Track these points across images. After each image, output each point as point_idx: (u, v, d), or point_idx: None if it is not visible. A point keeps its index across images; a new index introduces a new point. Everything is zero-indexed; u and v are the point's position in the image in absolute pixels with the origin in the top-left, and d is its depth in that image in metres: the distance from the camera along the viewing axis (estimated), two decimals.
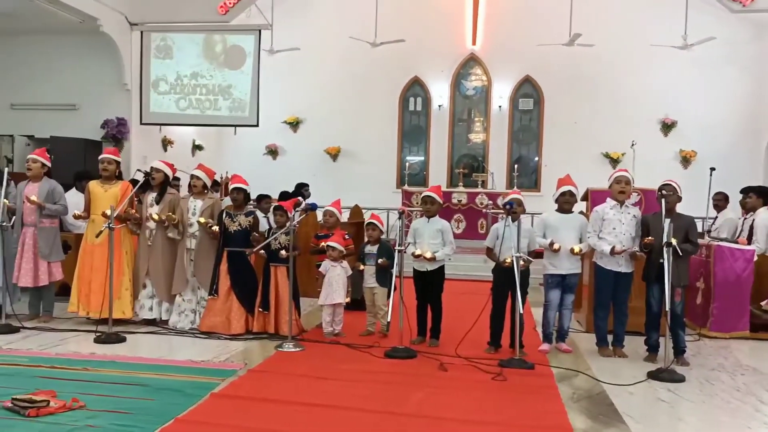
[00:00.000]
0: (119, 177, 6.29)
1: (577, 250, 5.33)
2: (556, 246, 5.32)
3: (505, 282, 5.21)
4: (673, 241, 4.79)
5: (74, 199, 6.78)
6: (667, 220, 4.88)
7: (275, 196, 8.72)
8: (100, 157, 6.27)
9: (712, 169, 8.78)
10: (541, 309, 5.71)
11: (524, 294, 5.15)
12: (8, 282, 5.95)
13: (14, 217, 5.99)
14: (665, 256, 4.77)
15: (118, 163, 6.25)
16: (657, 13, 12.82)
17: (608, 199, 5.43)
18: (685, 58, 12.48)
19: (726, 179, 9.19)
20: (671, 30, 12.13)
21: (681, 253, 4.91)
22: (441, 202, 5.69)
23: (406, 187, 13.29)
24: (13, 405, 3.67)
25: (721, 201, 7.91)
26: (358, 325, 6.03)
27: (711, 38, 11.54)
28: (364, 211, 9.28)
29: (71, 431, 3.41)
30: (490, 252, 5.48)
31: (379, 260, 5.70)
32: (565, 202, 5.52)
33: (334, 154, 14.64)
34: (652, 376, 4.69)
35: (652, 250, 5.09)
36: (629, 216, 5.34)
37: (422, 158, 14.67)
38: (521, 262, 5.02)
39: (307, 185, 10.23)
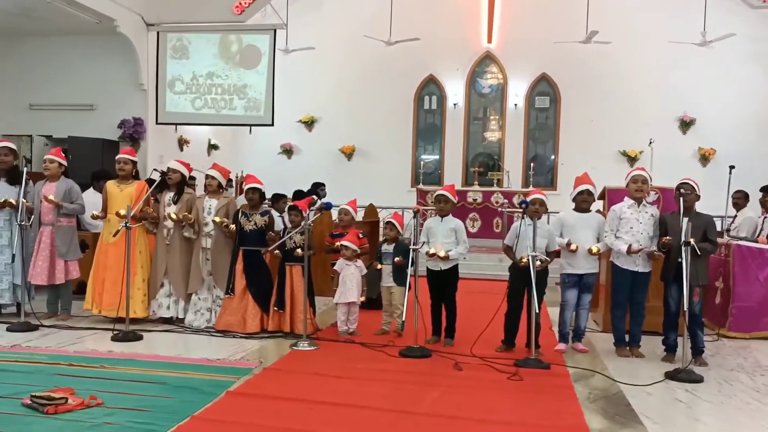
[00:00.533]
0: (136, 177, 6.34)
1: (594, 250, 5.28)
2: (573, 246, 5.29)
3: (521, 281, 5.18)
4: (692, 241, 4.73)
5: (92, 199, 6.85)
6: (686, 219, 4.82)
7: (290, 195, 8.73)
8: (116, 157, 6.35)
9: (732, 167, 8.66)
10: (557, 308, 5.67)
11: (541, 293, 5.10)
12: (26, 280, 6.02)
13: (32, 217, 6.07)
14: (683, 255, 4.72)
15: (134, 162, 6.30)
16: (675, 10, 12.69)
17: (625, 198, 5.37)
18: (703, 54, 12.32)
19: (746, 177, 9.06)
20: (690, 26, 12.01)
21: (699, 253, 4.83)
22: (454, 201, 5.67)
23: (420, 185, 13.26)
24: (32, 402, 3.71)
25: (740, 199, 7.81)
26: (373, 324, 6.03)
27: (730, 35, 11.39)
28: (378, 210, 9.28)
29: (89, 428, 3.44)
30: (508, 250, 5.45)
31: (395, 259, 5.70)
32: (582, 201, 5.47)
33: (349, 153, 14.64)
34: (670, 376, 4.64)
35: (670, 249, 5.03)
36: (647, 215, 5.28)
37: (437, 157, 14.62)
38: (538, 262, 4.98)
39: (323, 185, 10.22)
